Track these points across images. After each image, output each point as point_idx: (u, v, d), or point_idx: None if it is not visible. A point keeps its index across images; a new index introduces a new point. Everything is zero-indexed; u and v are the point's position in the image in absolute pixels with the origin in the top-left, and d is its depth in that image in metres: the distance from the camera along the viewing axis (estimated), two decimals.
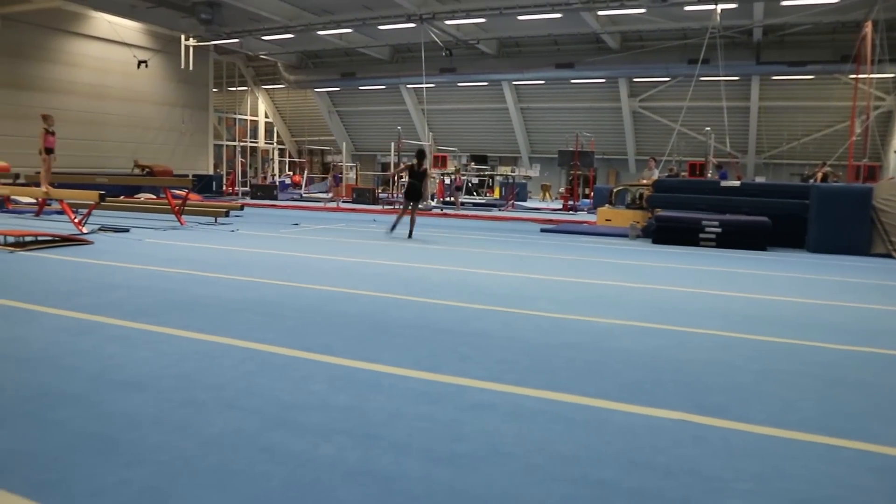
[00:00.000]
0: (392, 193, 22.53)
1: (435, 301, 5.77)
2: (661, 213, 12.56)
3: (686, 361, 4.09)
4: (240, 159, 28.01)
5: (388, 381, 3.52)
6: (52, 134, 12.53)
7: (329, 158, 36.00)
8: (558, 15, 20.74)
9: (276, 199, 24.04)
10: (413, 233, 11.76)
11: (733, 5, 18.89)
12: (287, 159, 36.87)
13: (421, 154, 12.00)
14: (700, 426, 3.01)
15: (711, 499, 2.33)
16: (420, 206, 12.52)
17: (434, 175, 24.30)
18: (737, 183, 13.51)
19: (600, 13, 21.69)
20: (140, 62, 22.63)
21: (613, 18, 22.62)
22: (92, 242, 9.14)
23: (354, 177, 30.33)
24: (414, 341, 4.37)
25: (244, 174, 30.70)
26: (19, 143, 18.62)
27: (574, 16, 21.34)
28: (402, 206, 12.51)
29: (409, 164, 12.06)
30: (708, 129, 21.13)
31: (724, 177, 17.77)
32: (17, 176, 15.21)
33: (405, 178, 12.25)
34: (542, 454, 2.66)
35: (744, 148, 27.89)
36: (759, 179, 25.28)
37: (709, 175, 18.96)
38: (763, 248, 11.31)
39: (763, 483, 2.47)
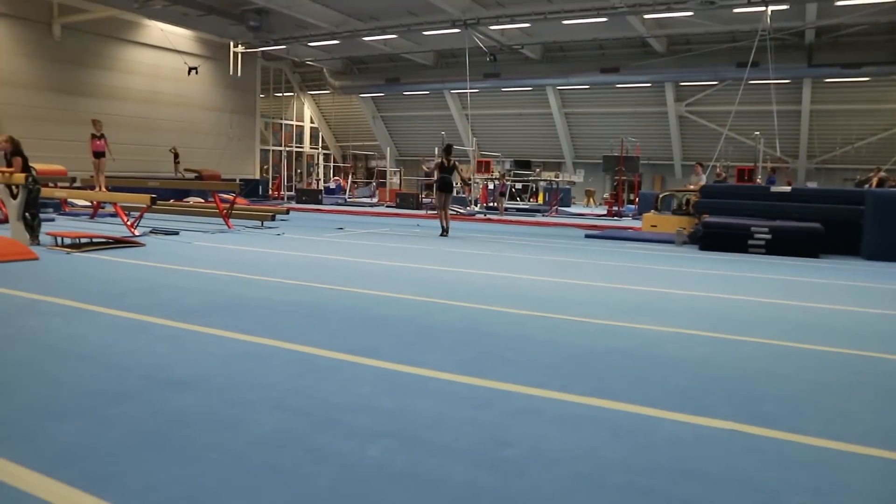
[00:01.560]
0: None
1: (479, 306, 5.76)
2: (708, 218, 12.33)
3: (736, 370, 3.99)
4: (285, 163, 28.43)
5: (433, 384, 3.53)
6: (99, 138, 12.92)
7: (373, 163, 36.27)
8: (604, 19, 20.52)
9: (320, 203, 24.33)
10: (448, 231, 12.41)
11: (784, 6, 18.46)
12: (332, 164, 37.29)
13: (448, 149, 12.60)
14: (752, 436, 2.93)
15: None
16: (452, 196, 13.19)
17: (477, 180, 24.31)
18: (787, 188, 13.18)
19: (646, 17, 21.39)
20: (190, 69, 23.16)
21: (660, 22, 22.31)
22: (143, 244, 9.39)
23: (398, 182, 30.52)
24: (459, 345, 4.37)
25: (290, 179, 31.14)
26: (77, 147, 19.21)
27: (620, 20, 21.10)
28: (436, 203, 13.08)
29: (438, 161, 12.54)
30: (757, 133, 20.71)
31: (772, 182, 17.36)
32: (73, 179, 15.71)
33: (436, 175, 12.93)
34: (588, 461, 2.63)
35: (794, 152, 27.20)
36: (811, 185, 24.62)
37: (758, 180, 18.57)
38: (815, 256, 10.99)
39: (819, 497, 2.39)
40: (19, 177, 8.95)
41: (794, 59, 22.09)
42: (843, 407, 3.39)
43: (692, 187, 15.65)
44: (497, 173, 23.47)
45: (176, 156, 22.39)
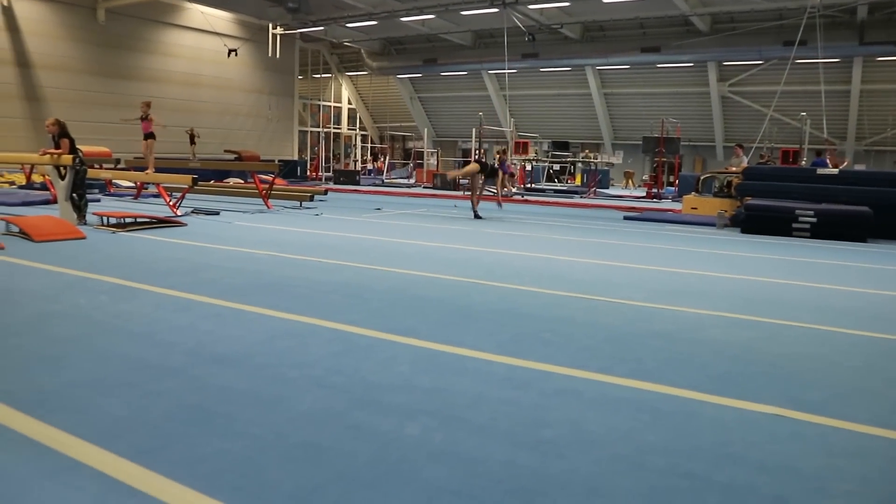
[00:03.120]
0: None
1: (517, 287, 5.75)
2: (750, 201, 12.06)
3: (780, 355, 3.92)
4: (323, 145, 28.59)
5: (471, 364, 3.53)
6: (143, 119, 13.08)
7: (410, 144, 36.27)
8: None
9: (358, 184, 24.47)
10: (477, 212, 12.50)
11: None
12: (369, 145, 37.40)
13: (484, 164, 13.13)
14: (797, 422, 2.88)
15: (810, 498, 2.23)
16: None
17: (515, 161, 24.12)
18: (835, 171, 12.81)
19: None
20: (230, 51, 23.36)
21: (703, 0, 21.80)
22: (185, 224, 9.55)
23: (436, 162, 30.48)
24: (497, 326, 4.36)
25: (327, 160, 31.34)
26: (121, 129, 19.59)
27: None
28: (470, 184, 13.00)
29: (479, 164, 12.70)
30: (803, 114, 20.13)
31: (821, 164, 16.87)
32: (117, 161, 16.02)
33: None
34: (628, 443, 2.61)
35: (842, 134, 26.38)
36: (858, 167, 23.87)
37: (802, 163, 18.10)
38: (863, 240, 10.69)
39: (867, 485, 2.34)
40: (67, 158, 9.17)
41: (844, 37, 21.34)
42: (891, 394, 3.31)
43: (734, 169, 15.33)
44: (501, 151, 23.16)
45: (192, 137, 21.24)
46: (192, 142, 21.34)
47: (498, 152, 18.68)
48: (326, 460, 2.38)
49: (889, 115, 25.29)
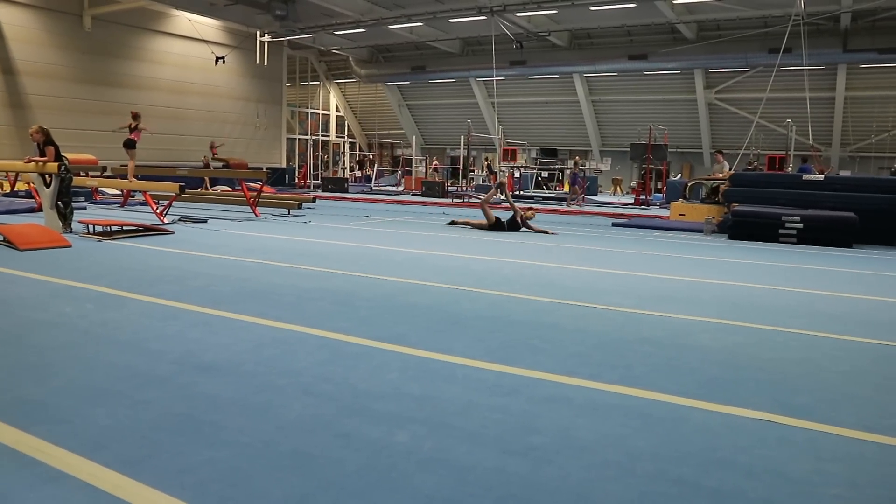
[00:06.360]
0: (462, 187, 22.63)
1: (506, 294, 5.75)
2: (738, 207, 12.14)
3: (768, 360, 3.94)
4: (311, 153, 28.51)
5: (461, 371, 3.53)
6: (131, 130, 13.04)
7: (399, 152, 36.29)
8: (632, 5, 20.24)
9: (346, 191, 24.43)
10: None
11: None
12: (357, 152, 37.37)
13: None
14: (784, 427, 2.89)
15: (798, 502, 2.24)
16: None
17: (504, 169, 24.20)
18: (820, 177, 12.92)
19: (676, 2, 21.06)
20: (218, 58, 23.29)
21: (690, 7, 21.94)
22: (173, 232, 9.50)
23: (424, 170, 30.50)
24: (486, 333, 4.36)
25: (316, 167, 31.25)
26: (107, 137, 19.48)
27: (648, 5, 20.79)
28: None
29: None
30: (789, 121, 20.31)
31: (807, 171, 16.99)
32: (104, 169, 15.92)
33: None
34: (618, 449, 2.61)
35: (828, 140, 26.65)
36: (844, 173, 24.09)
37: (788, 169, 18.24)
38: (849, 245, 10.78)
39: (855, 489, 2.35)
40: (52, 166, 9.10)
41: (828, 44, 21.59)
42: (879, 399, 3.33)
43: (720, 175, 15.43)
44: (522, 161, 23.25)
45: (212, 148, 20.41)
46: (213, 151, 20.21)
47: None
48: (315, 469, 2.37)
49: (873, 122, 25.59)
